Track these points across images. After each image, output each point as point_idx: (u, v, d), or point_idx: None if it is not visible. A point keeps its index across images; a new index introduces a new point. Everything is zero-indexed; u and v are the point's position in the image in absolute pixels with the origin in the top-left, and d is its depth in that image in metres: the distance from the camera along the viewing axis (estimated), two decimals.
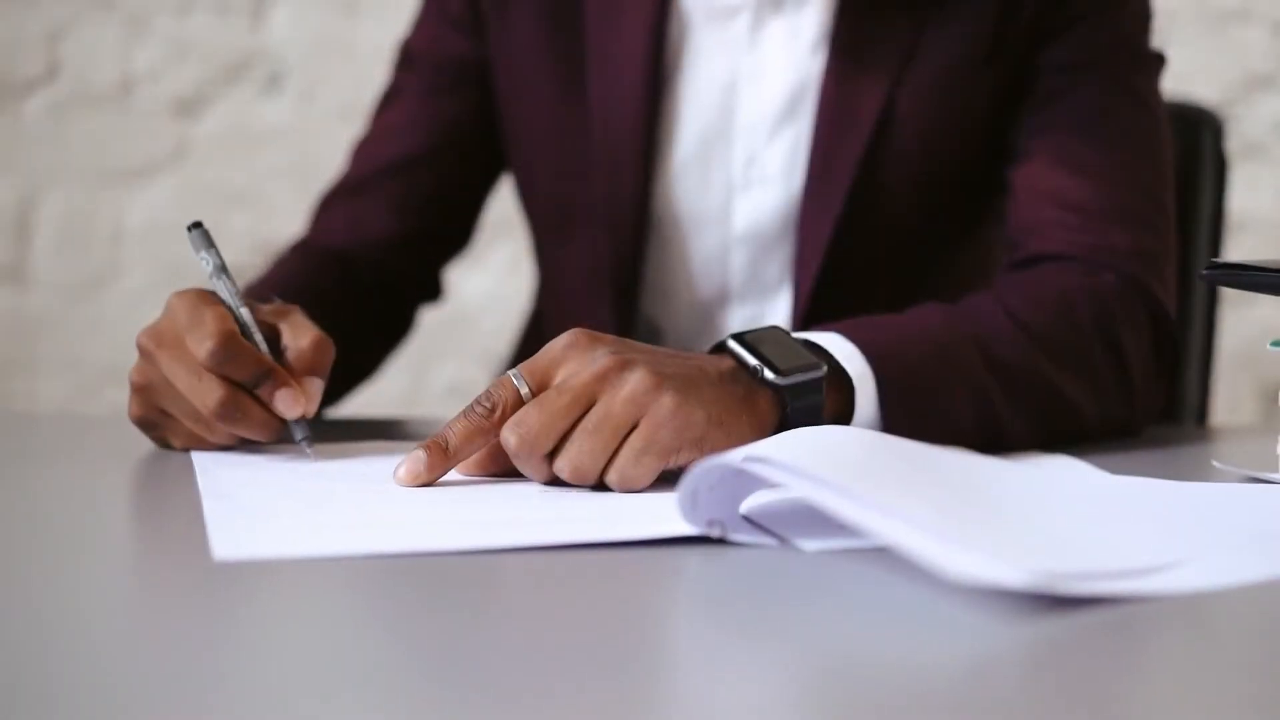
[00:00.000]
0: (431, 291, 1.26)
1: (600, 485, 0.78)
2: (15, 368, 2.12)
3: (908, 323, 0.94)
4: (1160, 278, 1.05)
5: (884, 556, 0.62)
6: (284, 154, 2.10)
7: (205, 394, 0.85)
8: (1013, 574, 0.57)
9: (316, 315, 1.07)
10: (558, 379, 0.79)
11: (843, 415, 0.88)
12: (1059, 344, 0.98)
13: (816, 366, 0.84)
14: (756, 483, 0.67)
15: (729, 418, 0.80)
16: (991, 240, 1.19)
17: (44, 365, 2.11)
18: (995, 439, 0.93)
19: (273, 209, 2.11)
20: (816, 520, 0.67)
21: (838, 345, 0.89)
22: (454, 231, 1.25)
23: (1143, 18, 1.13)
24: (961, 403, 0.92)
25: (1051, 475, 0.84)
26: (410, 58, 1.22)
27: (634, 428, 0.77)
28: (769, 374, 0.82)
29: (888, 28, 1.10)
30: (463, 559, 0.64)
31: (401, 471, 0.79)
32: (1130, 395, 1.02)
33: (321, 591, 0.61)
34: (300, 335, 0.90)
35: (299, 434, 0.86)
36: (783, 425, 0.83)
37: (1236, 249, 1.88)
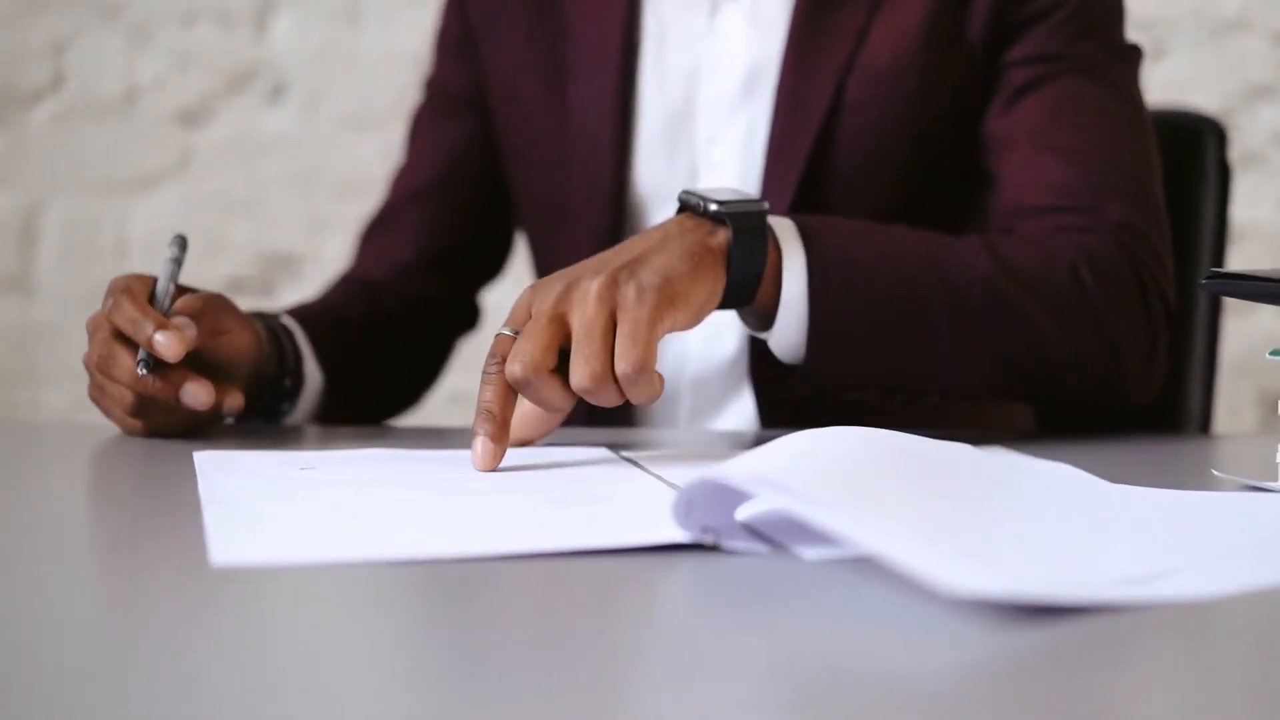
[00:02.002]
0: (466, 318, 1.31)
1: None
2: (19, 377, 2.13)
3: (867, 227, 1.00)
4: (1151, 250, 1.07)
5: (882, 565, 0.62)
6: (287, 163, 2.11)
7: (95, 346, 0.97)
8: (1010, 586, 0.57)
9: (349, 342, 1.16)
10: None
11: (774, 283, 0.94)
12: (1031, 273, 1.01)
13: (758, 201, 0.92)
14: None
15: (686, 266, 0.88)
16: (962, 231, 1.19)
17: (47, 374, 2.12)
18: (929, 355, 0.98)
19: (276, 218, 2.11)
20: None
21: (781, 222, 0.95)
22: (478, 253, 1.29)
23: (1114, 9, 1.14)
24: (896, 307, 0.97)
25: (1052, 483, 0.84)
26: (427, 91, 1.29)
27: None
28: (712, 205, 0.91)
29: (841, 13, 1.12)
30: (459, 565, 0.64)
31: (476, 462, 0.84)
32: (1111, 344, 1.03)
33: (320, 597, 0.61)
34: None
35: (139, 355, 0.94)
36: (730, 260, 0.90)
37: (1236, 258, 1.87)
